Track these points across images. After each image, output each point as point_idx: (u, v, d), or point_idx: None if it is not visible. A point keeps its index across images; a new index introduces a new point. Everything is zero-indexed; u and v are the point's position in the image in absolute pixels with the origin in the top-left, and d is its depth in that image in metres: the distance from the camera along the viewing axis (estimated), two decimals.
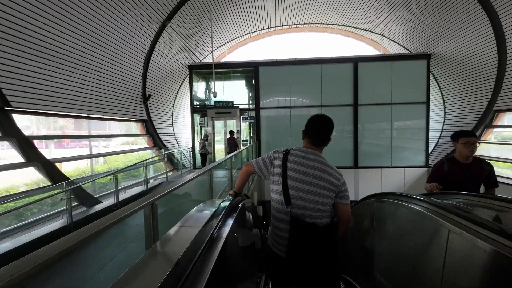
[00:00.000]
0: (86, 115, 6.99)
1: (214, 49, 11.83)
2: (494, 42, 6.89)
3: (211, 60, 9.21)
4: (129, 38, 6.99)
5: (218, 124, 11.02)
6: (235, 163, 5.75)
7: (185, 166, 10.69)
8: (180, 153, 9.61)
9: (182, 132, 12.02)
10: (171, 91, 10.48)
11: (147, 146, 9.77)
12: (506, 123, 7.83)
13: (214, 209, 1.51)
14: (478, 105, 8.14)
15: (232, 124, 10.58)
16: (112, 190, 5.77)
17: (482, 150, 8.28)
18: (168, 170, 9.89)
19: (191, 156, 10.62)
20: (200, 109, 10.68)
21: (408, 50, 10.48)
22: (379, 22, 10.48)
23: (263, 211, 10.06)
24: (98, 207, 5.33)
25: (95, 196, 5.72)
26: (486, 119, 7.91)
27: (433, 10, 8.10)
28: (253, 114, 10.11)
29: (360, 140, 9.41)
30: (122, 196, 6.19)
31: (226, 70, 10.84)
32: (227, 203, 1.69)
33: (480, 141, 8.24)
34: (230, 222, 1.46)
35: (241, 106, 10.32)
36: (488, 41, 7.06)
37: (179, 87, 11.04)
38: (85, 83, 6.12)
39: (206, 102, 11.73)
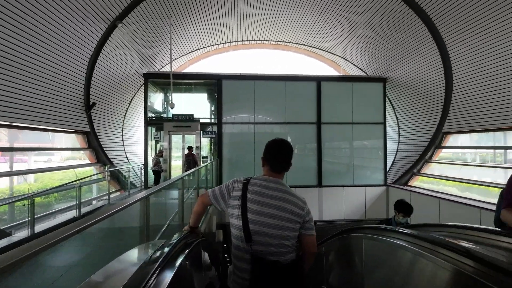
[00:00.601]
0: (8, 123, 5.63)
1: (174, 58, 11.10)
2: (442, 69, 7.45)
3: (170, 70, 8.46)
4: (69, 35, 5.95)
5: (176, 139, 10.08)
6: (192, 183, 4.98)
7: (134, 186, 9.40)
8: (129, 171, 8.37)
9: (134, 147, 10.74)
10: (122, 100, 9.34)
11: (89, 162, 8.37)
12: (452, 145, 8.43)
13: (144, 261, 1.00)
14: (429, 127, 8.67)
15: (191, 139, 9.75)
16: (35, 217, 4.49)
17: (434, 169, 8.76)
18: (113, 190, 8.55)
19: (143, 173, 9.40)
20: (156, 122, 9.67)
21: (365, 73, 11.04)
22: (340, 44, 10.94)
23: (224, 234, 9.18)
24: (2, 242, 4.03)
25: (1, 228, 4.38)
26: (436, 140, 8.42)
27: (388, 36, 8.62)
28: (215, 129, 9.46)
29: (323, 158, 9.33)
30: (43, 225, 4.90)
31: (187, 82, 10.14)
32: (167, 250, 1.21)
33: (431, 161, 8.73)
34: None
35: (202, 120, 9.60)
36: (436, 68, 7.62)
37: (133, 97, 9.94)
38: (6, 83, 4.89)
39: (164, 115, 10.75)
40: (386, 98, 9.87)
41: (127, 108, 9.86)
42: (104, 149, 8.39)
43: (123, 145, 9.83)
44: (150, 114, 9.60)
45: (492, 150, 7.24)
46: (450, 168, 8.15)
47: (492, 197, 6.48)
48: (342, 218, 9.12)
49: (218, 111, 9.25)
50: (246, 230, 1.38)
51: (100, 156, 8.33)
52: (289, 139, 9.27)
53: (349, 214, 9.13)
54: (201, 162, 9.36)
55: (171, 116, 9.43)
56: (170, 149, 9.25)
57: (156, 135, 9.66)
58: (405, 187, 8.73)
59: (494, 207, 5.58)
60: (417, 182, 9.24)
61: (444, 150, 8.58)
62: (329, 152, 9.62)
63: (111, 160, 8.67)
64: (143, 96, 9.42)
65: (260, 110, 9.34)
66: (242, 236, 1.39)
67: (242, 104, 9.37)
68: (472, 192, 7.07)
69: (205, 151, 11.24)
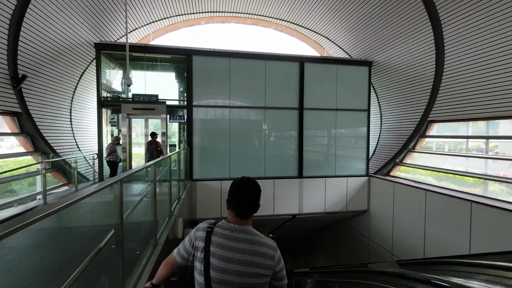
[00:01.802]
0: None
1: (133, 28, 9.44)
2: (433, 53, 6.92)
3: (130, 40, 6.96)
4: None
5: (138, 123, 8.68)
6: (160, 175, 3.88)
7: (86, 178, 7.95)
8: (76, 161, 6.92)
9: (87, 134, 9.13)
10: (68, 76, 7.65)
11: (24, 150, 6.76)
12: (435, 134, 8.13)
13: None
14: (414, 115, 8.28)
15: (157, 125, 8.43)
16: None
17: (416, 159, 8.47)
18: (58, 184, 7.09)
19: (98, 164, 7.96)
20: (112, 103, 8.14)
21: (350, 56, 10.35)
22: (324, 22, 10.05)
23: None
24: None
25: None
26: (421, 129, 8.07)
27: (377, 16, 7.90)
28: (185, 113, 8.22)
29: (305, 147, 8.60)
30: None
31: (150, 57, 8.65)
32: None
33: (415, 150, 8.41)
34: None
35: (169, 103, 8.29)
36: (428, 52, 7.08)
37: (83, 73, 8.24)
38: None
39: (123, 96, 9.20)
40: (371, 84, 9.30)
41: (76, 86, 8.17)
42: (44, 134, 6.81)
43: (72, 130, 8.22)
44: (105, 94, 8.05)
45: (480, 140, 6.98)
46: (434, 158, 7.87)
47: (481, 188, 6.23)
48: (323, 211, 8.60)
49: (187, 92, 7.99)
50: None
51: (39, 144, 6.76)
52: (266, 127, 8.37)
53: (330, 206, 8.62)
54: (168, 151, 8.15)
55: (131, 97, 7.99)
56: (130, 135, 7.88)
57: (112, 118, 8.16)
58: (388, 178, 8.37)
59: (486, 201, 5.22)
60: (398, 172, 8.95)
61: (426, 139, 8.27)
62: (311, 140, 8.91)
63: (55, 148, 7.12)
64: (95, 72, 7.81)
65: (236, 92, 8.25)
66: None
67: (216, 85, 8.19)
68: (459, 185, 6.82)
69: (174, 139, 9.97)
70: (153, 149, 6.83)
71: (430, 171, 7.87)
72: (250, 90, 8.37)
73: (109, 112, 8.40)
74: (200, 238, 1.35)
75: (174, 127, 10.15)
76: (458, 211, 5.62)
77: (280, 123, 8.63)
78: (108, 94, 8.37)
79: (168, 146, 8.10)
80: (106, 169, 7.58)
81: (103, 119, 7.74)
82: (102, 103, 7.70)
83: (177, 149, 8.20)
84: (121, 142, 7.59)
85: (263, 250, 1.30)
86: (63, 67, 7.27)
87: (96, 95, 7.69)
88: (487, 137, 6.74)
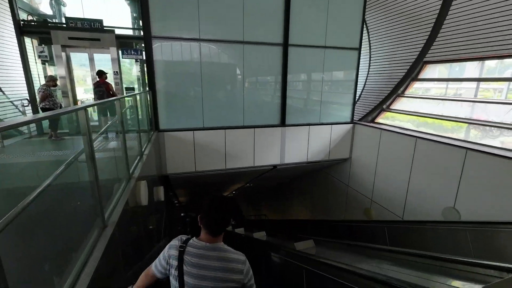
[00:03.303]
0: None
1: None
2: None
3: None
4: None
5: (79, 59, 6.77)
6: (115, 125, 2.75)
7: (19, 132, 6.31)
8: None
9: (13, 72, 7.01)
10: None
11: None
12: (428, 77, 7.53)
13: None
14: (408, 55, 7.48)
15: (105, 61, 6.63)
16: None
17: (403, 104, 8.00)
18: None
19: (33, 113, 6.26)
20: (38, 30, 6.04)
21: None
22: None
23: (166, 189, 7.38)
24: None
25: None
26: (414, 71, 7.39)
27: None
28: (143, 48, 6.46)
29: (289, 92, 7.57)
30: None
31: None
32: None
33: (404, 95, 7.88)
34: None
35: (119, 32, 6.40)
36: None
37: None
38: None
39: (56, 20, 6.94)
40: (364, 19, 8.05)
41: None
42: None
43: None
44: (23, 15, 5.87)
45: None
46: (425, 103, 7.42)
47: (477, 137, 5.97)
48: (305, 160, 8.15)
49: (143, 19, 6.11)
50: None
51: None
52: (244, 68, 7.04)
53: (313, 156, 8.17)
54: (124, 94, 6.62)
55: (64, 22, 5.94)
56: (71, 75, 6.09)
57: (41, 51, 6.15)
58: (374, 125, 7.92)
59: (483, 148, 4.89)
60: (382, 119, 8.53)
61: (417, 83, 7.69)
62: (295, 84, 7.86)
63: None
64: None
65: (208, 21, 6.54)
66: None
67: (181, 11, 6.35)
68: (437, 131, 6.55)
69: (131, 81, 8.24)
70: (103, 92, 5.32)
71: (411, 116, 7.54)
72: (225, 18, 6.70)
73: (35, 42, 6.30)
74: (173, 257, 1.44)
75: (129, 66, 8.29)
76: (450, 160, 5.35)
77: (261, 62, 7.31)
78: (28, 16, 6.16)
79: (124, 90, 6.53)
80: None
81: (28, 51, 5.77)
82: (22, 29, 5.63)
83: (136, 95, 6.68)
84: (58, 84, 5.86)
85: (233, 265, 1.42)
86: None
87: (11, 17, 5.55)
88: (480, 79, 6.25)
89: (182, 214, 16.36)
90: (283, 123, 7.68)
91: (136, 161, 3.77)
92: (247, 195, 18.21)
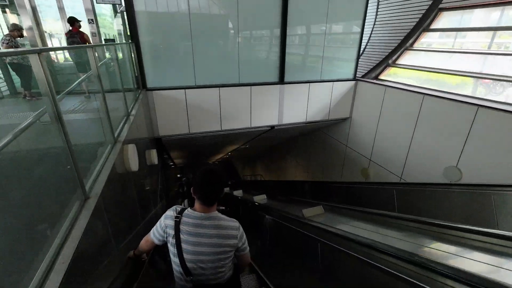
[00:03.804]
0: None
1: None
2: None
3: None
4: None
5: (51, 6, 5.81)
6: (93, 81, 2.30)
7: None
8: None
9: None
10: None
11: None
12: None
13: None
14: (420, 2, 6.69)
15: (77, 7, 5.70)
16: None
17: (411, 58, 7.43)
18: None
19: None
20: None
21: None
22: None
23: (160, 150, 7.08)
24: None
25: None
26: (427, 20, 6.68)
27: None
28: None
29: (288, 47, 6.86)
30: None
31: None
32: None
33: (413, 48, 7.26)
34: None
35: None
36: None
37: None
38: None
39: None
40: None
41: None
42: None
43: None
44: None
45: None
46: (428, 59, 6.88)
47: (481, 94, 5.63)
48: (304, 120, 7.81)
49: None
50: (184, 267, 1.49)
51: None
52: (240, 19, 6.21)
53: (312, 115, 7.81)
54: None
55: None
56: (38, 23, 5.25)
57: None
58: (378, 81, 7.45)
59: (495, 105, 4.59)
60: (385, 76, 8.01)
61: (428, 36, 7.02)
62: (295, 38, 7.12)
63: None
64: None
65: None
66: (181, 271, 1.51)
67: None
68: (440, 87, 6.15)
69: (111, 33, 7.33)
70: (78, 42, 4.62)
71: (414, 73, 7.07)
72: None
73: None
74: (169, 226, 1.53)
75: (115, 23, 7.29)
76: (459, 118, 5.08)
77: (258, 14, 6.45)
78: None
79: (102, 41, 5.76)
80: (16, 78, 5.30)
81: None
82: None
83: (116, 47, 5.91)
84: (24, 34, 5.06)
85: (228, 232, 1.54)
86: None
87: None
88: (501, 28, 5.67)
89: (178, 175, 16.49)
90: (281, 81, 7.14)
91: (122, 123, 3.37)
92: (243, 156, 18.21)
